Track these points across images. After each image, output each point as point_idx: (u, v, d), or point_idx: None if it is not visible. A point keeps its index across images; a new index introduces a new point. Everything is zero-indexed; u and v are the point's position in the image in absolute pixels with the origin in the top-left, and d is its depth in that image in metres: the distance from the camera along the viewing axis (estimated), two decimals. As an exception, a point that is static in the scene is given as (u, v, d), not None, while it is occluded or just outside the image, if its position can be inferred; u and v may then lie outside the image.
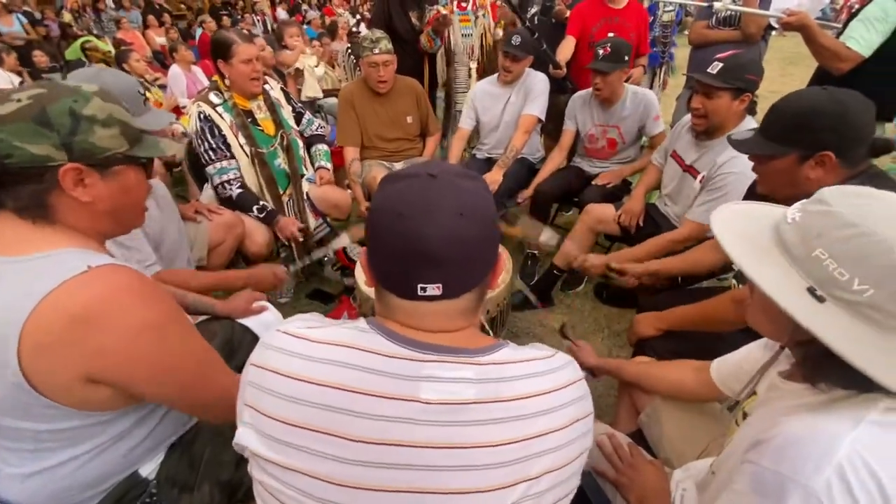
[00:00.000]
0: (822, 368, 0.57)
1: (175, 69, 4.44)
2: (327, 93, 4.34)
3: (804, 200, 0.60)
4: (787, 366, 0.71)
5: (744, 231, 0.63)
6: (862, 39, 1.76)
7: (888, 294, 0.51)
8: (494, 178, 2.40)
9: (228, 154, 1.99)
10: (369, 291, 0.67)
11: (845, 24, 1.90)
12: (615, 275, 1.66)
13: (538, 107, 2.46)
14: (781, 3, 2.42)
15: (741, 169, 1.53)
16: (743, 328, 0.72)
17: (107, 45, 5.56)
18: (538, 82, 2.48)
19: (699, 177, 1.75)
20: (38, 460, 0.76)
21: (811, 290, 0.55)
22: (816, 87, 1.11)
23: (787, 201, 0.65)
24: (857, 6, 1.92)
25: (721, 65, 1.57)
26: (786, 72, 5.72)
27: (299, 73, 4.11)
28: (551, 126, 2.77)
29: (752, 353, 0.89)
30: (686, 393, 1.06)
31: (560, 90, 2.70)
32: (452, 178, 0.58)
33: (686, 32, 3.11)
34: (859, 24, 1.78)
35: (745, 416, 0.79)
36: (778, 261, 0.58)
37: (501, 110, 2.55)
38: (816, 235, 0.55)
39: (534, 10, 2.89)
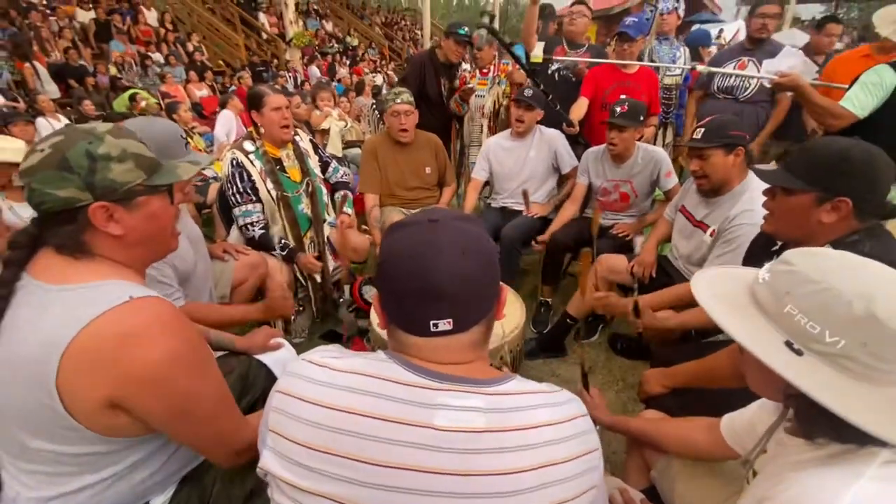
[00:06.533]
0: (813, 421, 0.58)
1: (227, 112, 4.95)
2: (351, 143, 4.65)
3: (772, 262, 0.64)
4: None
5: (723, 292, 0.67)
6: (857, 100, 1.87)
7: (858, 344, 0.53)
8: (539, 210, 2.64)
9: (254, 198, 2.11)
10: (383, 333, 0.71)
11: (848, 88, 1.99)
12: (633, 316, 1.65)
13: (573, 161, 2.70)
14: (772, 66, 2.53)
15: (756, 220, 1.55)
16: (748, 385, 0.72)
17: (153, 98, 6.04)
18: (558, 137, 2.67)
19: (709, 231, 1.78)
20: (56, 485, 0.78)
21: (789, 344, 0.57)
22: (848, 138, 1.11)
23: (790, 243, 0.68)
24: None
25: (703, 129, 1.68)
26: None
27: (325, 133, 4.48)
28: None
29: (763, 411, 0.88)
30: (697, 452, 1.03)
31: (574, 144, 2.83)
32: (452, 221, 0.64)
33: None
34: (857, 86, 1.90)
35: (754, 474, 0.78)
36: (756, 317, 0.62)
37: (522, 163, 2.68)
38: (785, 293, 0.59)
39: (556, 66, 3.10)
